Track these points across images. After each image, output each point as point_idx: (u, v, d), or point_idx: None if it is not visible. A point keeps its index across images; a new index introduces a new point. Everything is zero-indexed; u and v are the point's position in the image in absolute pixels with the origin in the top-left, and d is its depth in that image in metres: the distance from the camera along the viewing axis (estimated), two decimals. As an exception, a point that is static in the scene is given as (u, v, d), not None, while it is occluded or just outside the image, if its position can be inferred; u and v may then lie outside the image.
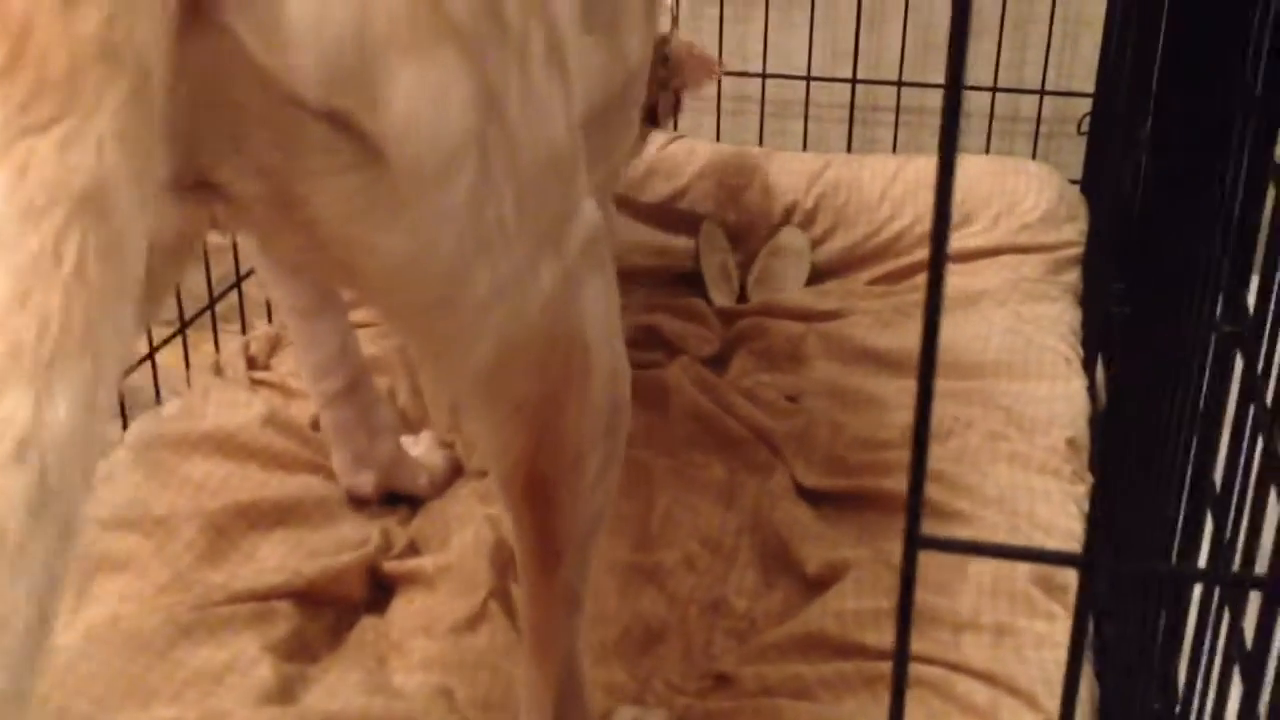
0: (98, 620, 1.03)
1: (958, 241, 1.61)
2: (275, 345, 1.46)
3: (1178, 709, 0.74)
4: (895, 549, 1.14)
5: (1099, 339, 1.42)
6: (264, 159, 0.46)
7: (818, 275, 1.65)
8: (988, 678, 0.98)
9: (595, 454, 0.72)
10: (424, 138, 0.48)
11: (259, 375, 1.40)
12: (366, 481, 1.20)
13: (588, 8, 0.60)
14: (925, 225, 1.64)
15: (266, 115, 0.45)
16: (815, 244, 1.67)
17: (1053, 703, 0.95)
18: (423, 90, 0.47)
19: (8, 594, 0.31)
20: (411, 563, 1.14)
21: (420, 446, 1.27)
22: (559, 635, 0.81)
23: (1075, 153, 1.76)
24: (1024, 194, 1.64)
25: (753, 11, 1.80)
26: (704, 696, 1.01)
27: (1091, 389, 1.37)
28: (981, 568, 1.09)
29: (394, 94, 0.46)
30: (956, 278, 1.55)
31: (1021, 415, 1.30)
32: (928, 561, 0.47)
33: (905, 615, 0.48)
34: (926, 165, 1.67)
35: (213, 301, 1.45)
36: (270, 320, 1.51)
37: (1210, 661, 0.69)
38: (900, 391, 1.37)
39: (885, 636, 1.03)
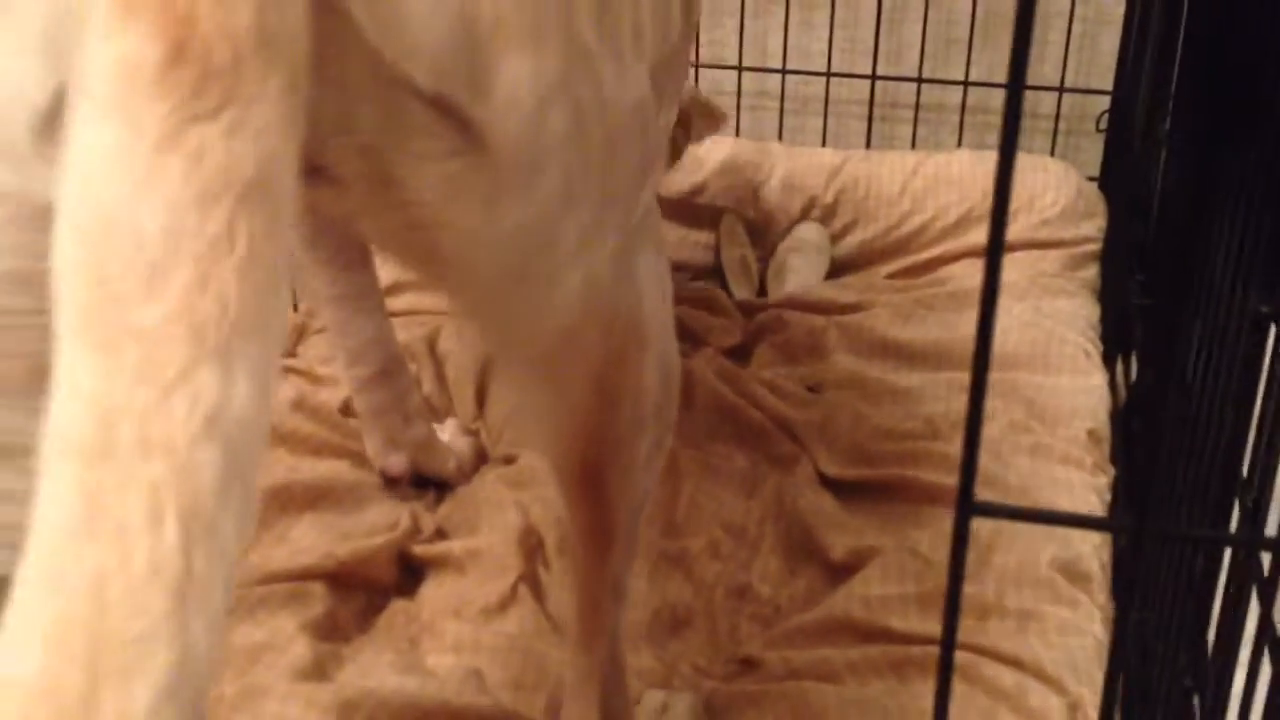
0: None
1: (977, 236, 1.62)
2: (302, 333, 1.47)
3: (1207, 685, 0.75)
4: (920, 537, 1.15)
5: (1118, 335, 1.43)
6: (369, 140, 0.47)
7: (837, 270, 1.66)
8: (1014, 662, 0.99)
9: (646, 435, 0.73)
10: (525, 129, 0.49)
11: (287, 362, 1.41)
12: (399, 462, 1.21)
13: None
14: (944, 220, 1.65)
15: (375, 97, 0.46)
16: (834, 239, 1.68)
17: (1079, 687, 0.97)
18: (527, 82, 0.48)
19: (204, 571, 0.32)
20: (441, 546, 1.15)
21: (446, 433, 1.29)
22: (606, 622, 0.82)
23: (1093, 150, 1.76)
24: (1043, 190, 1.65)
25: (773, 7, 1.81)
26: (730, 680, 1.03)
27: (1111, 383, 1.38)
28: (1005, 557, 1.10)
29: (500, 84, 0.47)
30: (977, 271, 1.56)
31: (1043, 407, 1.31)
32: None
33: (956, 578, 0.50)
34: (945, 161, 1.68)
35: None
36: (296, 309, 1.53)
37: (1239, 635, 0.71)
38: (921, 383, 1.38)
39: (910, 621, 1.04)
